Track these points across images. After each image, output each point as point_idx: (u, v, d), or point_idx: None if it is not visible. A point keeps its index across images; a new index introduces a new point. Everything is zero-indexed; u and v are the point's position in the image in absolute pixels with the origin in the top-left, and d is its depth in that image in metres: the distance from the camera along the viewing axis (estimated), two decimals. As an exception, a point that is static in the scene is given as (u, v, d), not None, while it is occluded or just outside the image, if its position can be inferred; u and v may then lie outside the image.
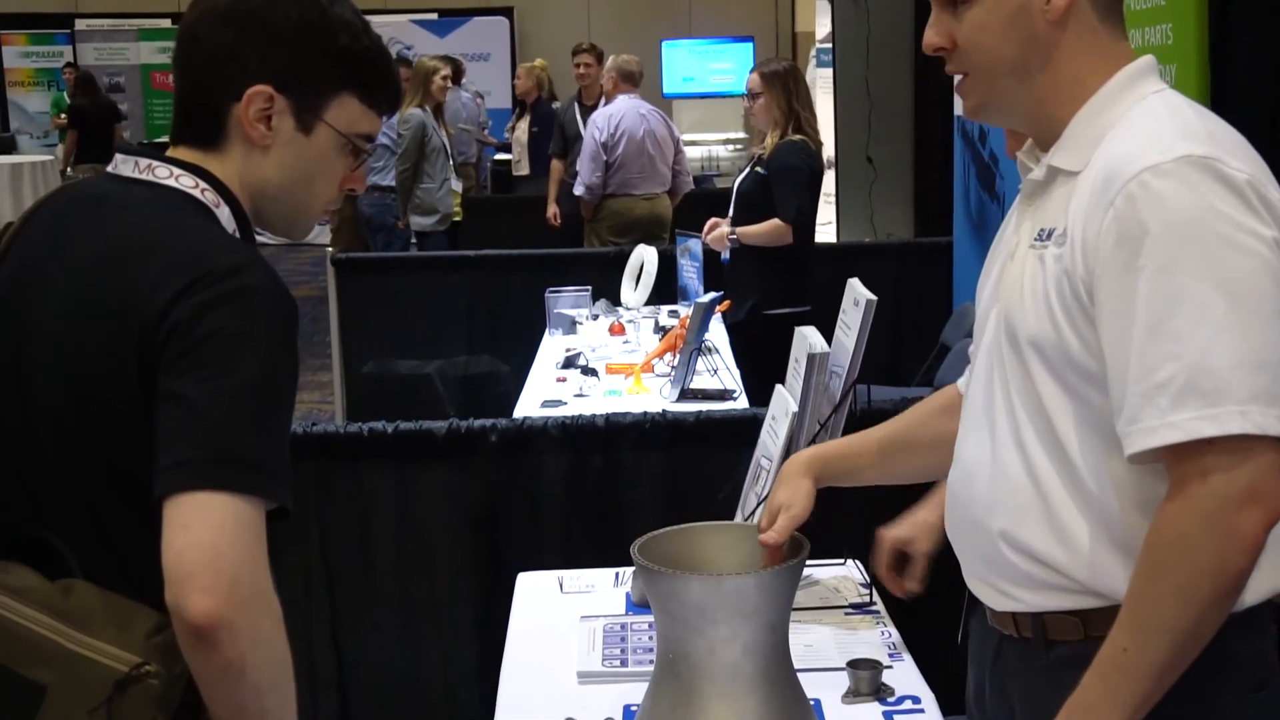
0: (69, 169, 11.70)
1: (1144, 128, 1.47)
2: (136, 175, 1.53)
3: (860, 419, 2.29)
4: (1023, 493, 1.53)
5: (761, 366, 4.43)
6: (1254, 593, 1.44)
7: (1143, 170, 1.40)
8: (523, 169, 10.01)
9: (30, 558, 1.42)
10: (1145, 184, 1.39)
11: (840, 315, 2.34)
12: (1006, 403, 1.55)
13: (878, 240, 7.39)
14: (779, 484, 1.92)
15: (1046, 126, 1.57)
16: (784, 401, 2.28)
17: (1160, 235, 1.37)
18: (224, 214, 1.53)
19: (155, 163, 1.53)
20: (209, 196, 1.52)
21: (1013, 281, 1.56)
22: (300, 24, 1.52)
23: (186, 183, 1.51)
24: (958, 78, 1.61)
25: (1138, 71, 1.55)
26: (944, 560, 2.20)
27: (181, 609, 1.30)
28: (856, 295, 2.27)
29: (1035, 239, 1.54)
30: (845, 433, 2.26)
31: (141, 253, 1.43)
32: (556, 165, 7.97)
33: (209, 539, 1.30)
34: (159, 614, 1.37)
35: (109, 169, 1.57)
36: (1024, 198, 1.61)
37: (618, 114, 7.02)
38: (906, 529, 2.09)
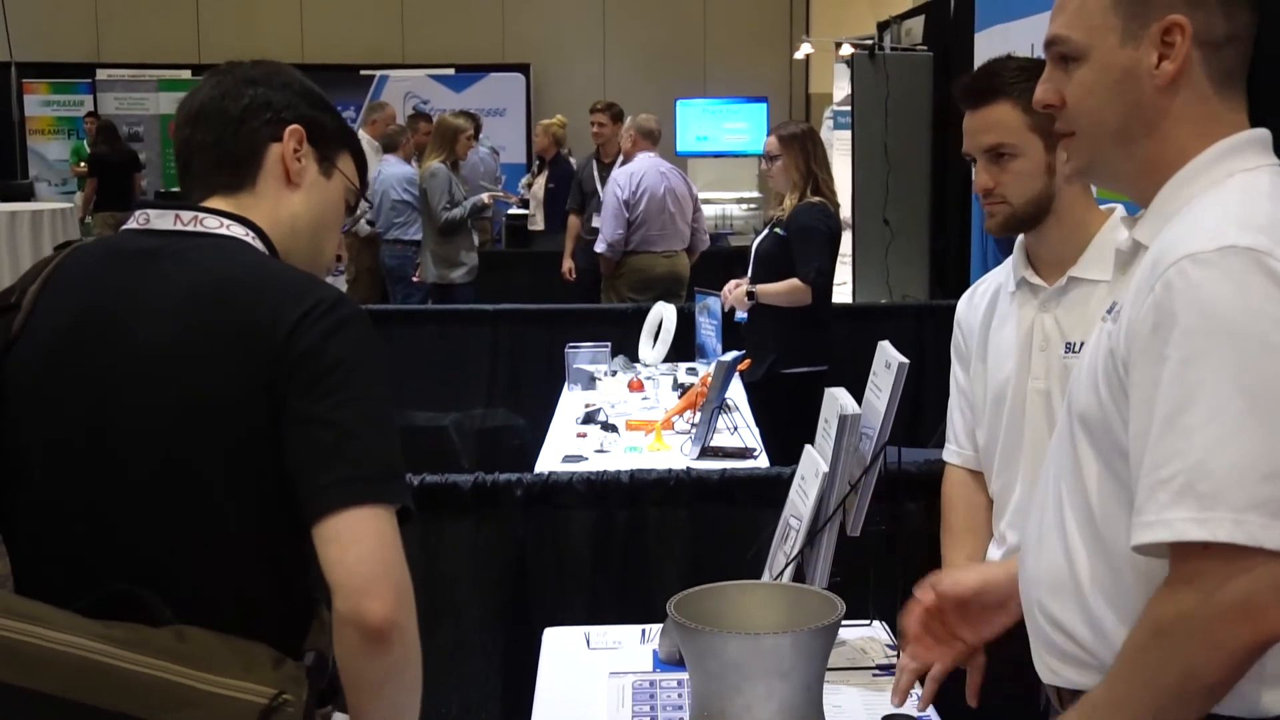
0: (88, 217, 11.78)
1: (1208, 210, 1.41)
2: (181, 227, 1.58)
3: (890, 480, 2.31)
4: (1059, 570, 1.52)
5: (780, 425, 4.45)
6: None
7: (1184, 257, 1.35)
8: (538, 224, 10.10)
9: (114, 612, 1.44)
10: (1184, 271, 1.34)
11: (871, 378, 2.36)
12: (1058, 477, 1.54)
13: (894, 301, 7.43)
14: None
15: (1152, 196, 1.51)
16: (814, 462, 2.29)
17: (1190, 327, 1.32)
18: None
19: (201, 214, 1.60)
20: (257, 243, 1.60)
21: (1088, 353, 1.55)
22: (310, 88, 1.71)
23: (238, 231, 1.60)
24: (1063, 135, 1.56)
25: (1235, 146, 1.48)
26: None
27: (361, 615, 1.38)
28: (888, 358, 2.29)
29: (1107, 311, 1.52)
30: (876, 493, 2.28)
31: (243, 288, 1.50)
32: (573, 221, 8.03)
33: (378, 550, 1.40)
34: (273, 648, 1.44)
35: (137, 225, 1.60)
36: (1116, 267, 1.58)
37: (639, 172, 7.08)
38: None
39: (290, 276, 1.55)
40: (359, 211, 1.81)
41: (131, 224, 1.61)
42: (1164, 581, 1.34)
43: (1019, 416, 2.22)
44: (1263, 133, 1.51)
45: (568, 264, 7.95)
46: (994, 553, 2.26)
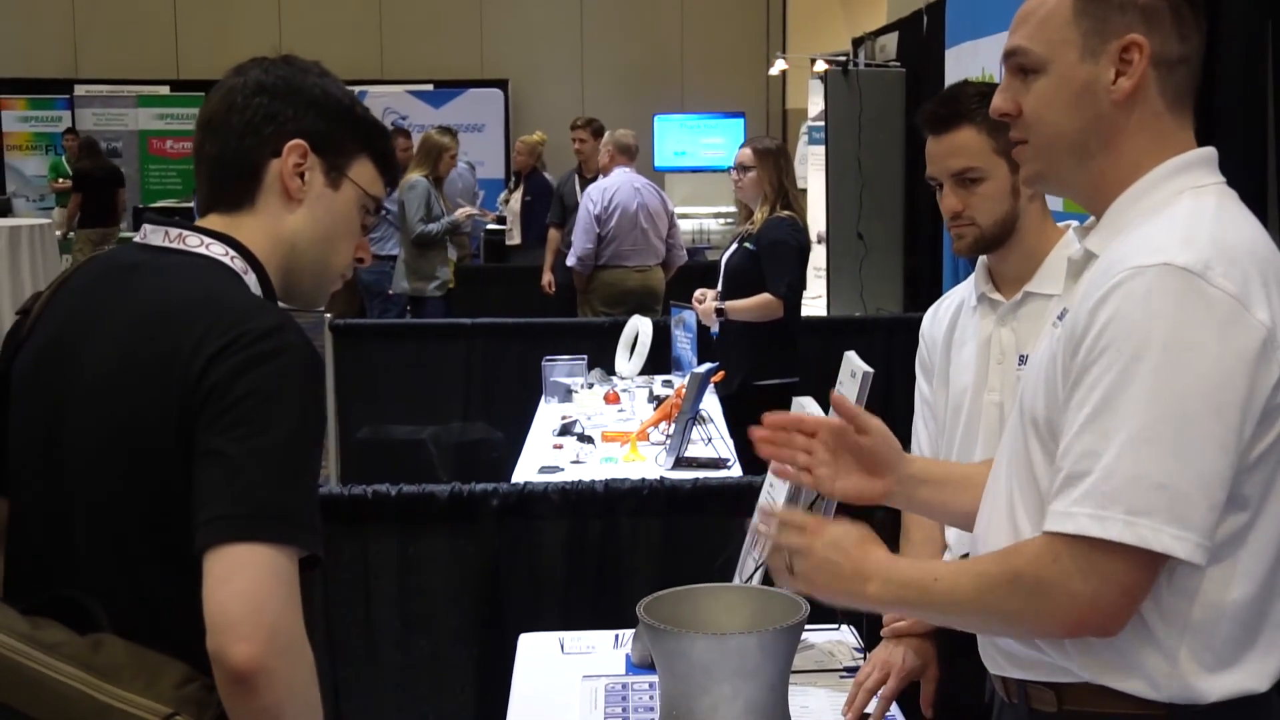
0: (71, 233, 11.76)
1: (1156, 227, 1.47)
2: (167, 244, 1.61)
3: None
4: None
5: (753, 436, 4.50)
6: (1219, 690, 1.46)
7: (1127, 269, 1.42)
8: (515, 238, 10.15)
9: (58, 614, 1.47)
10: (1124, 284, 1.41)
11: (837, 386, 2.41)
12: (1009, 474, 1.60)
13: (868, 314, 7.50)
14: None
15: (1102, 207, 1.58)
16: (782, 469, 2.34)
17: (1123, 336, 1.40)
18: (250, 280, 1.61)
19: (186, 232, 1.62)
20: (237, 264, 1.61)
21: (1037, 356, 1.61)
22: (324, 92, 1.67)
23: (216, 250, 1.60)
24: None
25: (1185, 164, 1.54)
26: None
27: (224, 656, 1.36)
28: (854, 367, 2.34)
29: (1058, 317, 1.58)
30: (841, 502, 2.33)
31: (180, 315, 1.50)
32: (554, 234, 8.09)
33: (250, 589, 1.37)
34: (186, 667, 1.44)
35: (138, 239, 1.65)
36: (1068, 276, 1.64)
37: (612, 187, 7.14)
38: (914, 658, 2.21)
39: (231, 304, 1.52)
40: (381, 214, 1.76)
41: (137, 236, 1.65)
42: (1044, 540, 1.43)
43: (974, 427, 2.28)
44: (1210, 151, 1.57)
45: (547, 277, 8.00)
46: (947, 560, 2.32)
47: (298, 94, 1.65)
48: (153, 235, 1.63)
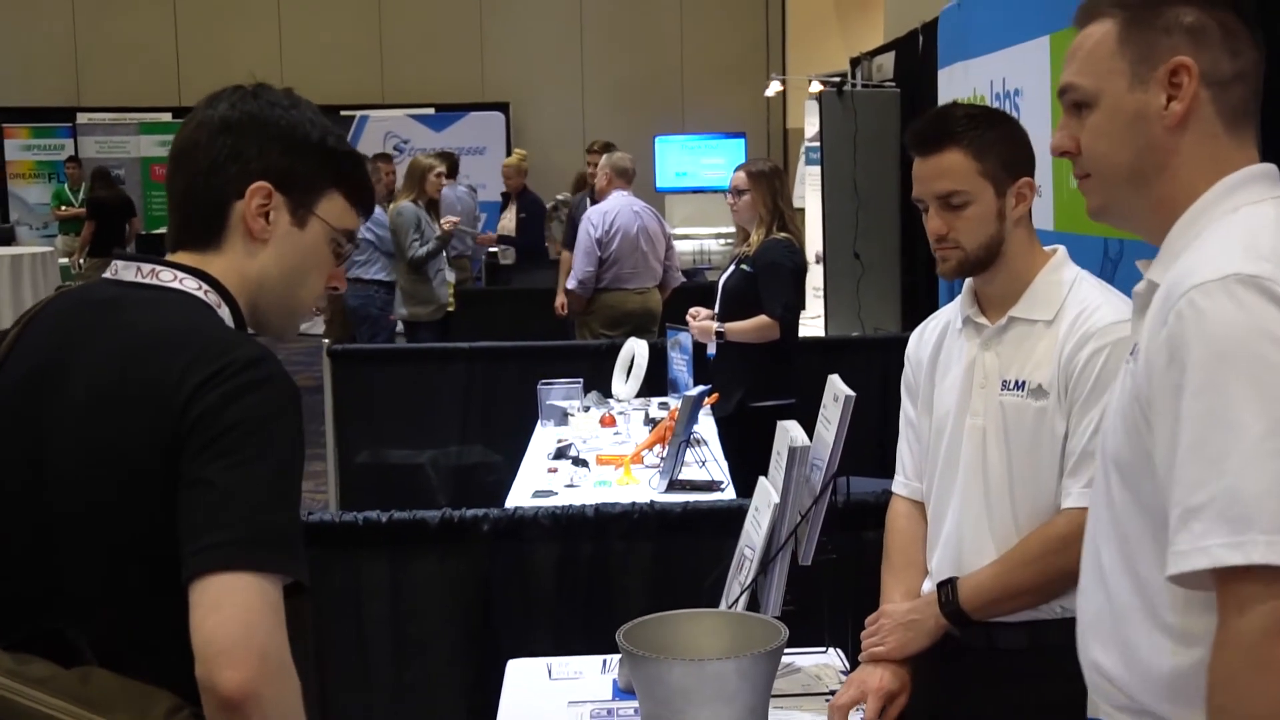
0: (82, 260, 11.79)
1: (1214, 244, 1.43)
2: (140, 279, 1.62)
3: (842, 510, 2.38)
4: (1100, 612, 1.53)
5: (749, 458, 4.51)
6: None
7: (1192, 288, 1.37)
8: (509, 258, 10.19)
9: (42, 648, 1.48)
10: (1193, 302, 1.36)
11: (821, 410, 2.43)
12: (1094, 529, 1.56)
13: (865, 334, 7.51)
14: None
15: (1164, 235, 1.53)
16: (766, 493, 2.36)
17: (1203, 355, 1.35)
18: (224, 314, 1.63)
19: (159, 267, 1.63)
20: (211, 297, 1.62)
21: (1115, 400, 1.56)
22: (291, 127, 1.66)
23: (190, 285, 1.62)
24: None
25: (1241, 181, 1.50)
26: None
27: (214, 683, 1.37)
28: (836, 391, 2.36)
29: (1130, 354, 1.53)
30: (825, 524, 2.35)
31: (163, 346, 1.52)
32: (566, 256, 8.08)
33: (239, 617, 1.38)
34: (174, 696, 1.44)
35: (108, 275, 1.66)
36: (1135, 310, 1.59)
37: (612, 211, 7.16)
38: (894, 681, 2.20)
39: (212, 336, 1.54)
40: (352, 246, 1.74)
41: (107, 272, 1.66)
42: (1218, 626, 1.34)
43: (956, 451, 2.28)
44: (1267, 167, 1.53)
45: (561, 299, 8.00)
46: (926, 586, 2.32)
47: (263, 130, 1.64)
48: (124, 271, 1.64)
